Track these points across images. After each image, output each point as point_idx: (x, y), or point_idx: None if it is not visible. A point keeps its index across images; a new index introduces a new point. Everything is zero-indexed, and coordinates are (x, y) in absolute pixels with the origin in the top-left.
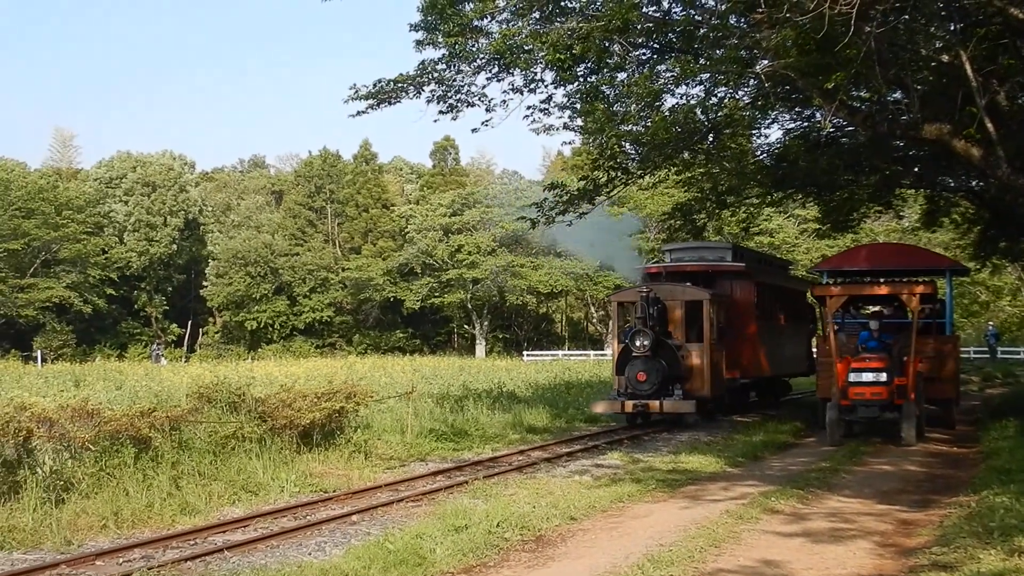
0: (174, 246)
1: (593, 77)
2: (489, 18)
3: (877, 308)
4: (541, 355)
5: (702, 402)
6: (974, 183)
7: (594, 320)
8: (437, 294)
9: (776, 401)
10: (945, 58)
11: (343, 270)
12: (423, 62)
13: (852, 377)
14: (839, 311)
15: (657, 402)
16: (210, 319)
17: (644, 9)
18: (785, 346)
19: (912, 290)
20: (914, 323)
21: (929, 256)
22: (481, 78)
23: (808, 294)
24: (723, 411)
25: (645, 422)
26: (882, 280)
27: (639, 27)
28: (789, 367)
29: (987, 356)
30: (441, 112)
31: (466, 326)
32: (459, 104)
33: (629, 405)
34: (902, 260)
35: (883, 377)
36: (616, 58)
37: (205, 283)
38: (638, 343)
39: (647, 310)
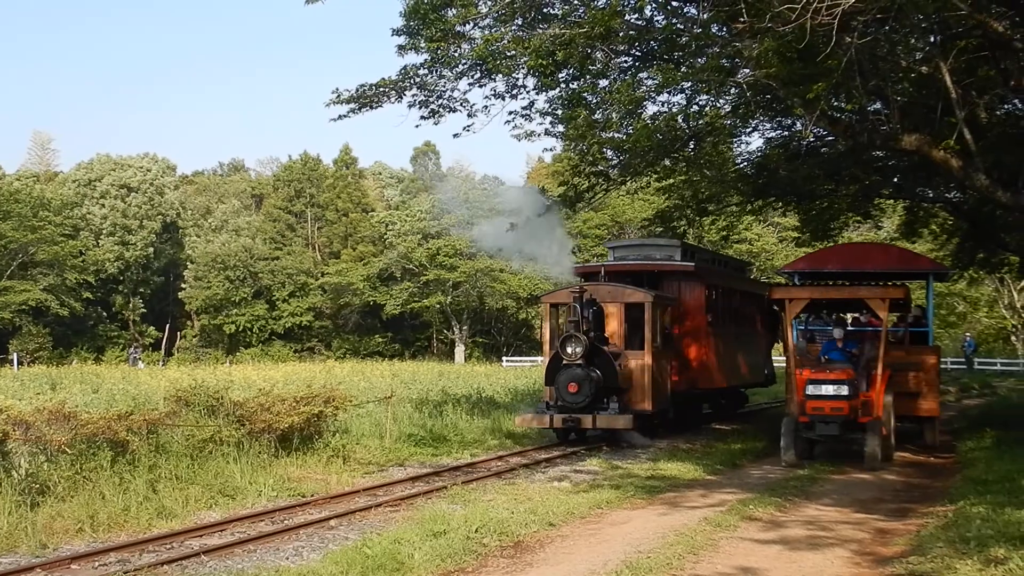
0: (151, 249)
1: (575, 84)
2: (471, 24)
3: (856, 314)
4: (520, 361)
5: (643, 416)
6: (952, 194)
7: None
8: (417, 299)
9: (733, 414)
10: (925, 70)
11: (322, 275)
12: (405, 67)
13: (810, 390)
14: (801, 316)
15: (590, 416)
16: (188, 322)
17: (626, 17)
18: (741, 354)
19: (881, 294)
20: (884, 331)
21: (909, 258)
22: (463, 83)
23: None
24: (669, 426)
25: (580, 438)
26: (848, 283)
27: (621, 34)
28: (745, 377)
29: (964, 367)
30: (423, 117)
31: (446, 331)
32: (441, 109)
33: (558, 419)
34: (879, 262)
35: (844, 391)
36: (598, 65)
37: (183, 286)
38: (569, 350)
39: (580, 313)
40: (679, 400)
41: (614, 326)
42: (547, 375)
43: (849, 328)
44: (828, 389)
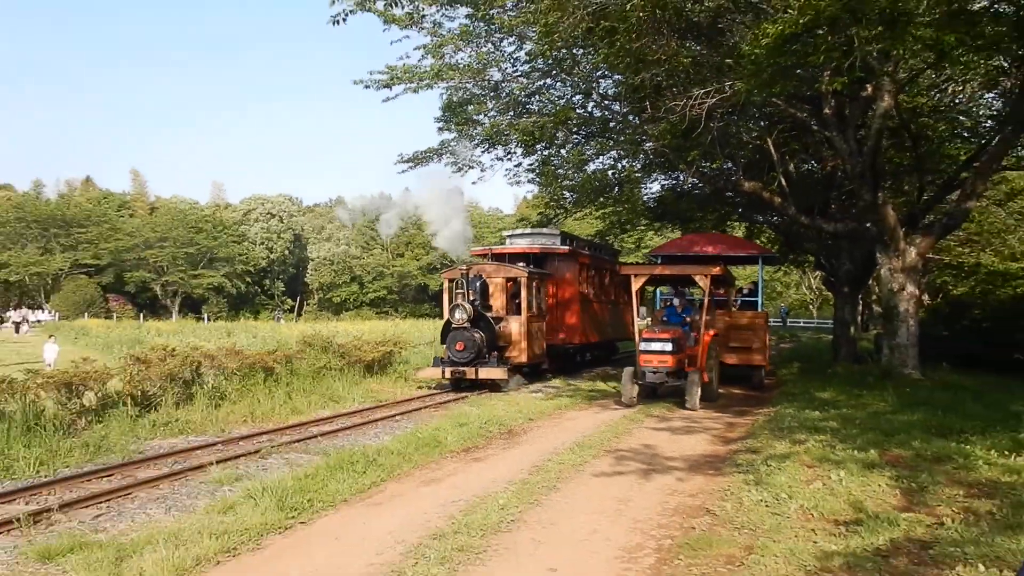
0: (286, 251)
1: (546, 151)
2: (483, 115)
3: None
4: None
5: (519, 368)
6: (775, 219)
7: None
8: None
9: (608, 359)
10: (758, 142)
11: (392, 267)
12: (442, 140)
13: (643, 346)
14: (658, 290)
15: (473, 369)
16: (312, 296)
17: (578, 110)
18: (608, 316)
19: (703, 271)
20: (705, 300)
21: (744, 245)
22: (477, 151)
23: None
24: (543, 373)
25: (472, 385)
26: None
27: (574, 121)
28: (614, 333)
29: (780, 325)
30: (453, 172)
31: None
32: (463, 167)
33: (448, 372)
34: (720, 247)
35: (668, 347)
36: (560, 140)
37: (308, 275)
38: (457, 315)
39: (467, 286)
40: (556, 353)
41: (498, 296)
42: (441, 336)
43: (689, 298)
44: (656, 346)
